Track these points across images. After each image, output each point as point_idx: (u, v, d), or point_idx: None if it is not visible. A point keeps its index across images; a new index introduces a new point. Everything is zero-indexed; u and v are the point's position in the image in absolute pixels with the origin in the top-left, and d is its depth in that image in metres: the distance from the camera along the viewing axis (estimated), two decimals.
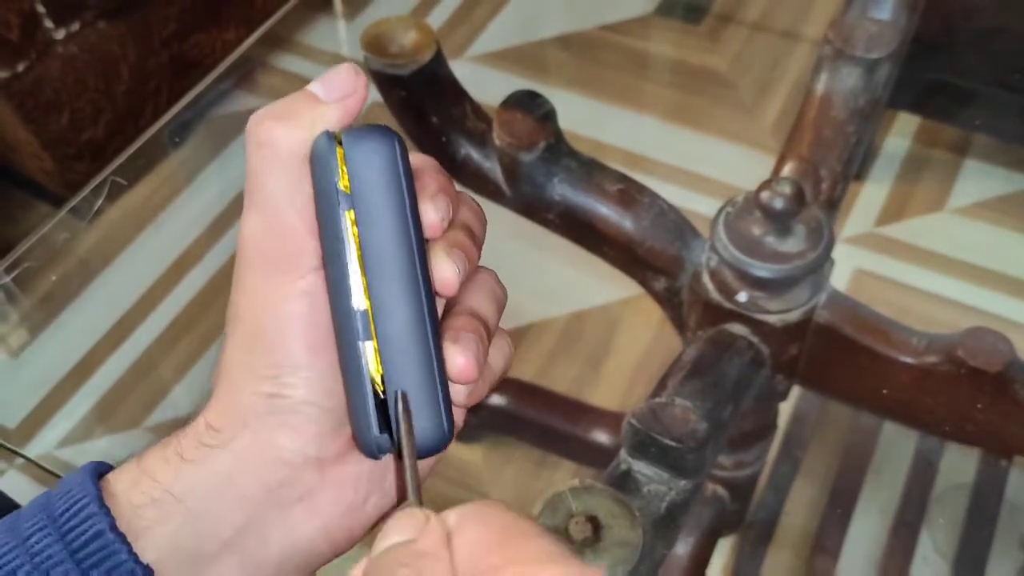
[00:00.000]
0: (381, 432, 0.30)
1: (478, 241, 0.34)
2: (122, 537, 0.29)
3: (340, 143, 0.30)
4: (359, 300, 0.30)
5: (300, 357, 0.31)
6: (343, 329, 0.30)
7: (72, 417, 1.17)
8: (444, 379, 0.31)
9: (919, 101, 1.23)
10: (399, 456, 0.31)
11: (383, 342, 0.30)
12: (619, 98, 1.49)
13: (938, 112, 1.29)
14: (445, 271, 0.31)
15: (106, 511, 0.30)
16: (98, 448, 1.17)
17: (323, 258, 0.31)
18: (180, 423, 1.05)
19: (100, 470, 0.32)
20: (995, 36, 1.13)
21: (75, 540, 0.29)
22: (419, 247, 0.30)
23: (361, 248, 0.30)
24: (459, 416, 0.33)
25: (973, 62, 1.15)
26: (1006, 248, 1.27)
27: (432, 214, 0.31)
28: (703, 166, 1.38)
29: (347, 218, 0.30)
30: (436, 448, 0.31)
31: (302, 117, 0.30)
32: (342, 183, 0.30)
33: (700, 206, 0.89)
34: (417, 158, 0.33)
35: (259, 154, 0.30)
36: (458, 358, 0.31)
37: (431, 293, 0.31)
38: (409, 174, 0.31)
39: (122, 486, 0.31)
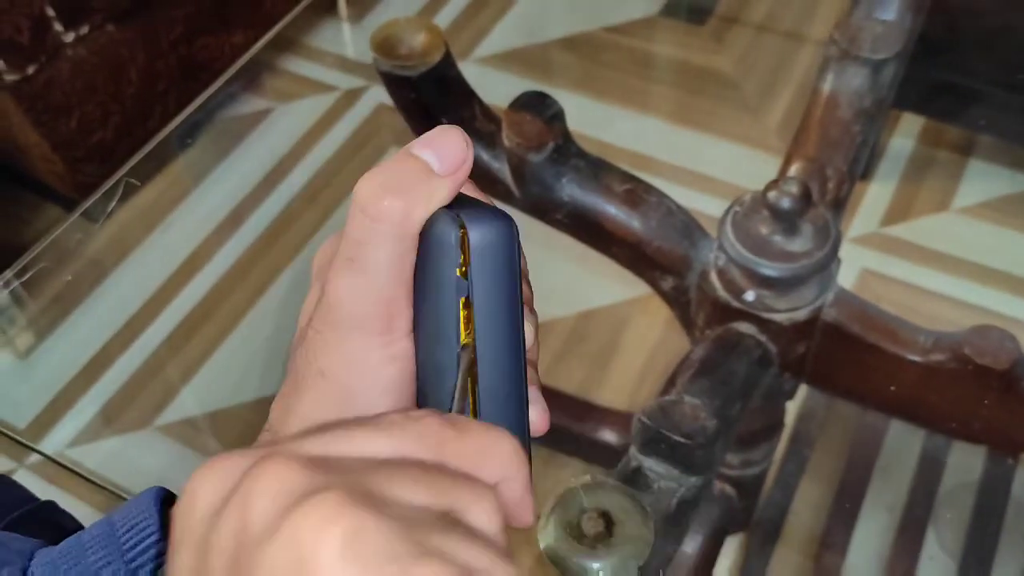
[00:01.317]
0: None
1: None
2: None
3: (462, 226, 0.29)
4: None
5: None
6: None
7: (82, 417, 1.18)
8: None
9: (924, 101, 1.24)
10: None
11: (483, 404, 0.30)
12: (624, 99, 1.49)
13: (943, 112, 1.29)
14: (539, 415, 0.33)
15: None
16: (108, 448, 1.17)
17: (417, 329, 0.31)
18: (189, 424, 1.05)
19: (163, 495, 0.32)
20: (1000, 36, 1.13)
21: None
22: (523, 346, 0.31)
23: (473, 340, 0.29)
24: None
25: (978, 62, 1.15)
26: (1011, 247, 1.28)
27: (529, 330, 0.32)
28: (707, 167, 1.38)
29: (459, 304, 0.29)
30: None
31: (417, 193, 0.29)
32: (459, 271, 0.29)
33: (705, 206, 0.90)
34: None
35: (370, 226, 0.30)
36: (537, 415, 0.32)
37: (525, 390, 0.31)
38: (520, 261, 0.30)
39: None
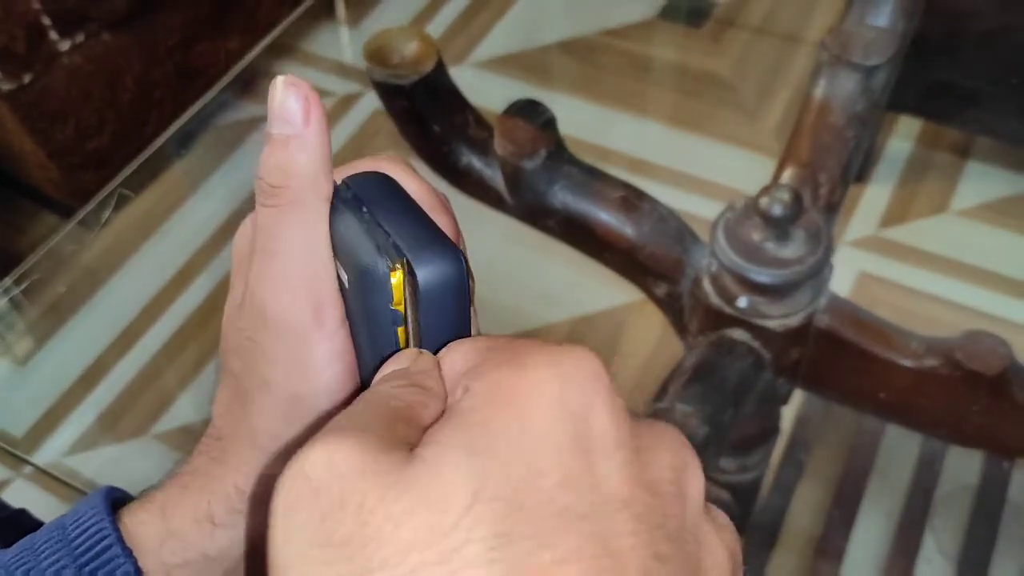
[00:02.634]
0: None
1: None
2: None
3: (401, 262, 0.27)
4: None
5: None
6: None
7: (79, 425, 1.18)
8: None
9: (923, 103, 1.23)
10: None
11: None
12: (622, 103, 1.49)
13: (942, 114, 1.29)
14: None
15: (128, 552, 0.30)
16: (105, 456, 1.17)
17: (356, 346, 0.30)
18: (186, 432, 1.05)
19: (114, 496, 0.32)
20: (999, 38, 1.13)
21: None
22: None
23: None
24: None
25: (977, 64, 1.15)
26: (1010, 249, 1.28)
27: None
28: (705, 170, 1.38)
29: (397, 332, 0.28)
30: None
31: (293, 162, 0.29)
32: (397, 305, 0.28)
33: (703, 210, 0.90)
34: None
35: (270, 211, 0.30)
36: None
37: None
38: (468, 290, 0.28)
39: (150, 541, 0.31)
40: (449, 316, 0.28)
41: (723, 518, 0.26)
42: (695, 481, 0.24)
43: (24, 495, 1.05)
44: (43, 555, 0.30)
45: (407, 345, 0.28)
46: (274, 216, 0.30)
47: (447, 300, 0.27)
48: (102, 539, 0.29)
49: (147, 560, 0.30)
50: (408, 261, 0.27)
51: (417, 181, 0.32)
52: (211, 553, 0.31)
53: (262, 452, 0.31)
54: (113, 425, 1.19)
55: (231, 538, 0.31)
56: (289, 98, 0.30)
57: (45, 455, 1.15)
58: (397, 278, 0.27)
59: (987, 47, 1.14)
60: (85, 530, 0.30)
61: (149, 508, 0.31)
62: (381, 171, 0.31)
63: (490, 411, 0.23)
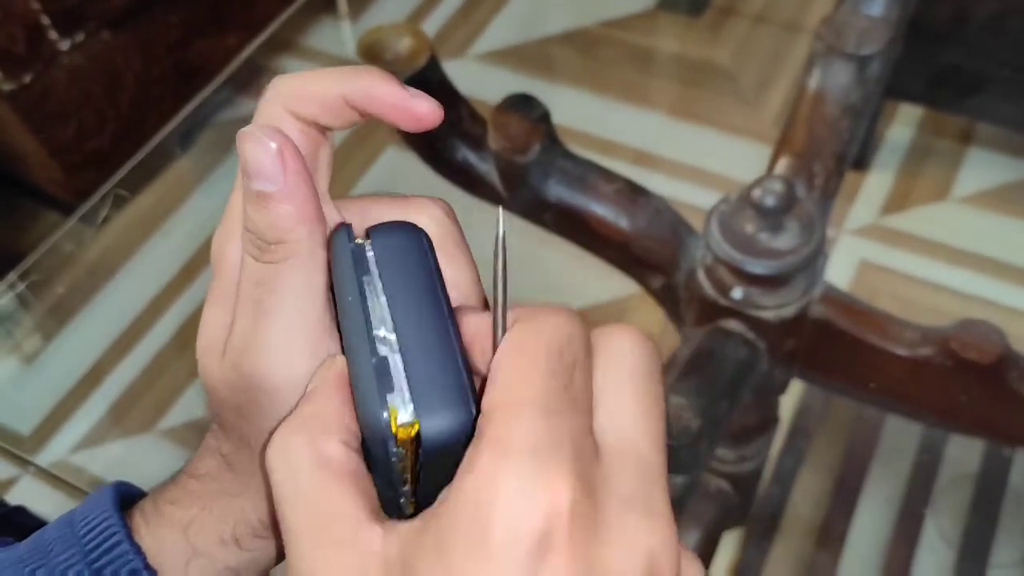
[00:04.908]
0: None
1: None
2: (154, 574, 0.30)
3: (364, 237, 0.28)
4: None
5: None
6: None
7: (86, 422, 1.18)
8: (465, 359, 0.27)
9: (928, 91, 1.22)
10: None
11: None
12: (622, 93, 1.49)
13: (947, 102, 1.28)
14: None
15: (136, 548, 0.30)
16: (112, 452, 1.18)
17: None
18: (192, 427, 1.05)
19: (121, 490, 0.32)
20: (1005, 20, 1.12)
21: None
22: (453, 331, 0.28)
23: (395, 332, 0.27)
24: None
25: (983, 48, 1.14)
26: (1011, 236, 1.27)
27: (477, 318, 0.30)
28: (705, 160, 1.38)
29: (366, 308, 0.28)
30: (451, 434, 0.26)
31: (275, 223, 0.28)
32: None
33: (704, 200, 0.90)
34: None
35: (266, 266, 0.29)
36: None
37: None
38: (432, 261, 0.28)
39: (175, 558, 0.31)
40: (409, 277, 0.28)
41: None
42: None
43: (32, 493, 1.06)
44: (53, 551, 0.30)
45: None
46: (272, 272, 0.28)
47: (401, 258, 0.28)
48: (111, 536, 0.30)
49: (172, 574, 0.31)
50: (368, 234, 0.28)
51: (454, 234, 0.31)
52: (237, 566, 0.31)
53: None
54: (120, 421, 1.20)
55: (258, 560, 0.32)
56: (259, 153, 0.28)
57: (53, 452, 1.16)
58: (358, 248, 0.28)
59: (994, 31, 1.13)
60: (94, 527, 0.30)
61: (170, 526, 0.31)
62: (414, 221, 0.29)
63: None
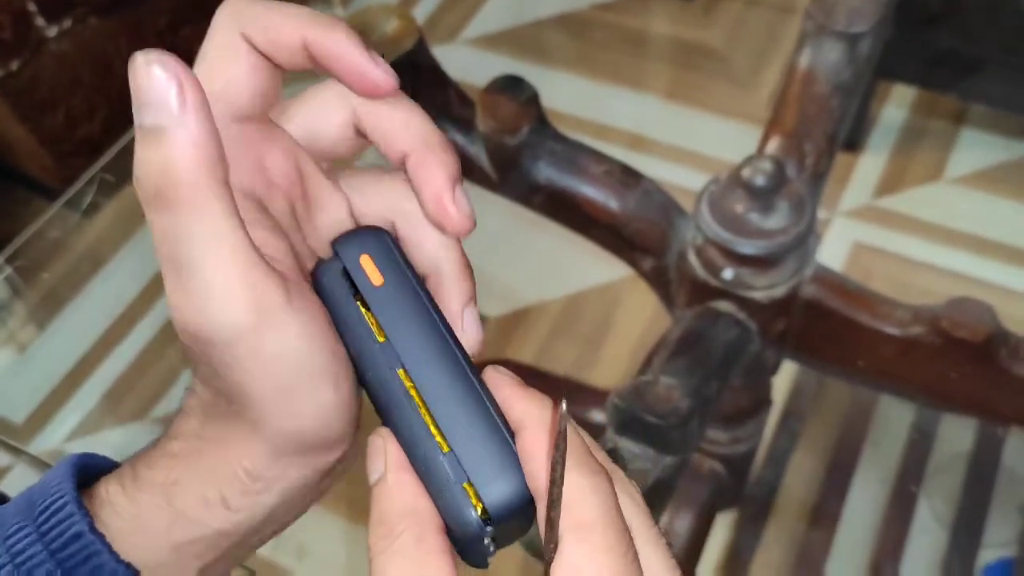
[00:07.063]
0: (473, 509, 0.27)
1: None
2: (102, 537, 0.29)
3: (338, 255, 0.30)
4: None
5: (346, 430, 0.30)
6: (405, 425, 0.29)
7: (80, 410, 1.18)
8: (509, 431, 0.28)
9: (922, 71, 1.22)
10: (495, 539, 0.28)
11: (439, 416, 0.28)
12: (614, 76, 1.49)
13: (940, 82, 1.27)
14: (472, 335, 0.31)
15: (84, 512, 0.29)
16: (107, 440, 1.18)
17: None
18: None
19: (83, 462, 0.31)
20: (998, 1, 1.11)
21: (54, 540, 0.28)
22: (439, 322, 0.30)
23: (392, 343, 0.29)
24: None
25: (980, 29, 1.13)
26: (1004, 216, 1.27)
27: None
28: (700, 142, 1.38)
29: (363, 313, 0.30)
30: (513, 505, 0.27)
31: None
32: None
33: (697, 182, 0.90)
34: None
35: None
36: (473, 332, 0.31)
37: (464, 354, 0.30)
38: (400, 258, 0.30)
39: (157, 523, 0.30)
40: (386, 276, 0.30)
41: None
42: None
43: (26, 482, 1.06)
44: (13, 525, 0.29)
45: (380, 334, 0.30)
46: (172, 225, 0.25)
47: (368, 259, 0.30)
48: (62, 506, 0.29)
49: (155, 540, 0.30)
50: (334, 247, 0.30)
51: (423, 224, 0.31)
52: (225, 528, 0.30)
53: (265, 440, 0.30)
54: (114, 409, 1.20)
55: (249, 522, 0.31)
56: (154, 79, 0.24)
57: (46, 441, 1.16)
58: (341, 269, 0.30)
59: (987, 11, 1.12)
60: (49, 504, 0.29)
61: (150, 489, 0.30)
62: (378, 224, 0.30)
63: None
